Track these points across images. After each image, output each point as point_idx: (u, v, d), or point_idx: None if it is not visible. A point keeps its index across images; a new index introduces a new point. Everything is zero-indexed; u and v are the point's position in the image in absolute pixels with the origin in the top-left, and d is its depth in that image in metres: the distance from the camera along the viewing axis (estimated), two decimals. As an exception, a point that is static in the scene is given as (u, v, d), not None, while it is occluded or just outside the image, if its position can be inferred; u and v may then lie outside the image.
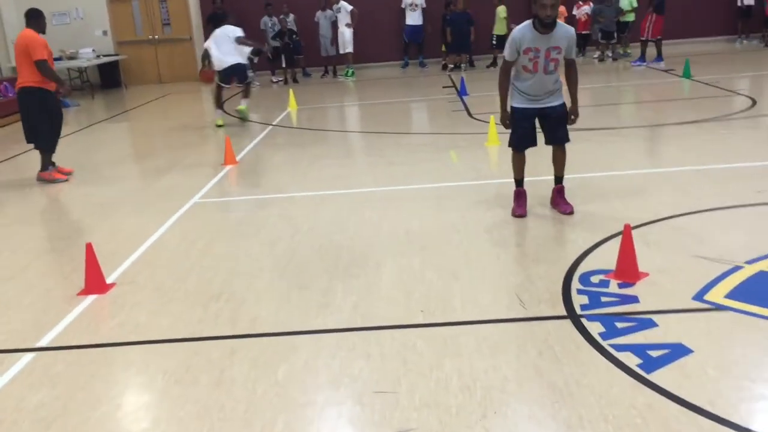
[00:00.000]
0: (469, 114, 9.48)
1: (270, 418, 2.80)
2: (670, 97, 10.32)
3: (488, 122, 7.57)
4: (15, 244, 5.37)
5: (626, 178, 5.88)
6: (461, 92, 11.28)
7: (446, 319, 3.56)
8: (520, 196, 5.09)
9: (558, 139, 4.95)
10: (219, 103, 10.31)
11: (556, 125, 4.91)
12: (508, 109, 4.98)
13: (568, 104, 4.93)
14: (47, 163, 7.25)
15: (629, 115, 9.65)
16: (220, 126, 9.97)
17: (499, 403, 2.79)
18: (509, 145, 5.06)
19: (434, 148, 7.68)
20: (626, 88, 11.58)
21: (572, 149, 5.09)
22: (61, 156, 7.57)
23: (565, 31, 4.70)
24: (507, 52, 4.80)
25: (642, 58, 13.39)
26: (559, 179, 5.08)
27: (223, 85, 10.04)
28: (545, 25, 4.59)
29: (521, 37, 4.68)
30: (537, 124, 4.96)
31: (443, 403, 2.81)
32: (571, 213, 4.94)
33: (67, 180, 7.26)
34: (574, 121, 4.97)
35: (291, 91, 11.77)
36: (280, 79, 15.09)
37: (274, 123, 10.17)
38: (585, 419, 2.64)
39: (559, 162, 5.02)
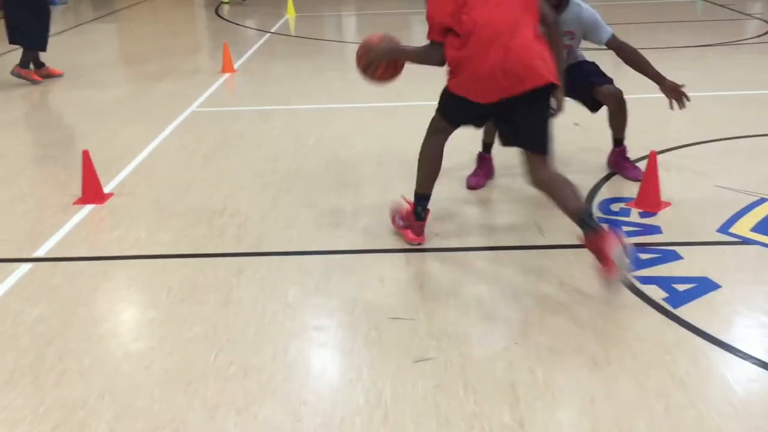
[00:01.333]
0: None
1: (282, 342, 2.68)
2: (684, 18, 9.96)
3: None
4: (5, 149, 5.14)
5: (643, 102, 5.66)
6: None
7: (462, 244, 3.42)
8: (483, 162, 4.19)
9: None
10: None
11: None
12: None
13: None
14: (28, 60, 6.81)
15: (642, 36, 9.30)
16: (225, 2, 12.01)
17: (521, 334, 2.68)
18: None
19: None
20: (637, 8, 11.17)
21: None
22: (49, 56, 7.21)
23: (576, 14, 3.82)
24: None
25: None
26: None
27: None
28: (553, 7, 3.58)
29: None
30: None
31: (463, 332, 2.70)
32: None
33: (41, 82, 6.89)
34: (678, 95, 3.85)
35: (289, -3, 11.27)
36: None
37: (271, 30, 9.77)
38: (611, 354, 2.53)
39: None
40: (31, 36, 6.73)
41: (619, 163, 4.19)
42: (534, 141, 3.02)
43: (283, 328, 2.78)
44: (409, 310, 2.86)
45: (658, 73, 3.88)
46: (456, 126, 3.26)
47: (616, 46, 3.91)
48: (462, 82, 2.98)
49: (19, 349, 2.68)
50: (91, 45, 9.43)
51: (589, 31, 3.90)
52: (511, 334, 2.70)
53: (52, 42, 7.02)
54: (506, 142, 3.18)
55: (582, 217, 2.83)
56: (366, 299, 2.96)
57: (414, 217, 3.36)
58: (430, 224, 3.60)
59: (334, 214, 3.79)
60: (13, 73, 6.80)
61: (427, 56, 3.11)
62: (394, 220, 3.49)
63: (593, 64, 4.14)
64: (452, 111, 3.17)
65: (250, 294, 3.03)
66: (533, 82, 2.87)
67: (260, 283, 3.12)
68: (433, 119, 3.27)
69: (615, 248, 2.65)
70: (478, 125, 3.40)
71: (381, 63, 3.15)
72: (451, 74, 3.03)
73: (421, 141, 3.33)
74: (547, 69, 2.90)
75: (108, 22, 11.56)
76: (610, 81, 4.06)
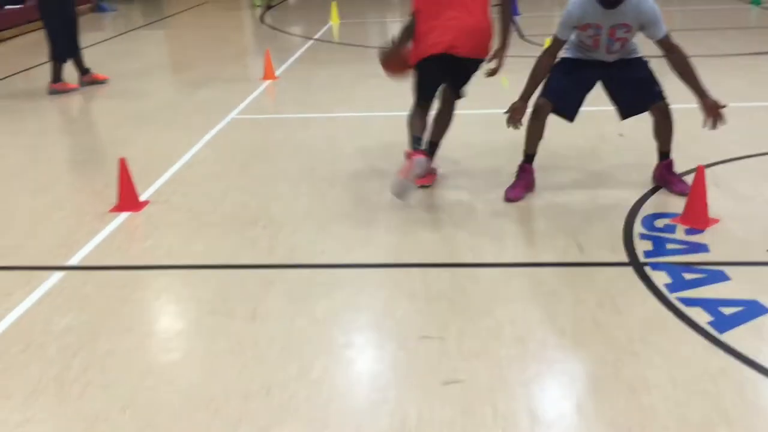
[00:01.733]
0: (521, 35, 8.98)
1: (307, 358, 2.62)
2: (737, 25, 9.65)
3: (543, 46, 7.11)
4: (45, 155, 5.21)
5: (692, 112, 5.46)
6: (512, 11, 10.70)
7: (497, 260, 3.32)
8: (523, 174, 4.06)
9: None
10: None
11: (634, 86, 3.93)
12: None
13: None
14: (57, 73, 6.84)
15: (693, 42, 9.01)
16: (258, 5, 12.59)
17: (555, 358, 2.57)
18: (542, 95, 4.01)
19: (483, 69, 7.25)
20: (689, 13, 10.87)
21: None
22: (95, 63, 7.32)
23: (635, 6, 3.59)
24: (560, 29, 3.78)
25: None
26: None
27: None
28: (612, 2, 3.58)
29: (582, 14, 3.66)
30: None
31: (494, 354, 2.60)
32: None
33: (78, 88, 6.95)
34: (716, 114, 3.72)
35: (333, 4, 11.26)
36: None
37: (315, 37, 9.78)
38: (651, 382, 2.40)
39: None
40: (58, 45, 6.76)
41: (665, 176, 4.01)
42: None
43: (309, 344, 2.71)
44: (439, 328, 2.77)
45: (704, 86, 3.72)
46: (430, 99, 4.07)
47: (669, 46, 3.72)
48: (423, 36, 3.85)
49: (46, 359, 2.67)
50: (137, 52, 9.56)
51: (646, 25, 3.66)
52: (544, 357, 2.59)
53: (99, 48, 7.14)
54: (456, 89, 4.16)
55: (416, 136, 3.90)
56: (396, 315, 2.88)
57: (412, 150, 3.81)
58: (465, 238, 3.52)
59: (367, 226, 3.72)
60: (50, 92, 6.84)
61: (406, 27, 4.01)
62: (411, 178, 3.69)
63: (647, 67, 3.92)
64: (421, 86, 4.01)
65: (278, 307, 2.98)
66: (471, 54, 3.88)
67: (289, 296, 3.07)
68: (412, 107, 4.04)
69: (417, 164, 3.65)
70: (438, 84, 4.09)
71: (389, 59, 4.11)
72: (415, 37, 3.92)
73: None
74: (483, 46, 3.92)
75: (156, 28, 11.74)
76: (662, 96, 3.88)
